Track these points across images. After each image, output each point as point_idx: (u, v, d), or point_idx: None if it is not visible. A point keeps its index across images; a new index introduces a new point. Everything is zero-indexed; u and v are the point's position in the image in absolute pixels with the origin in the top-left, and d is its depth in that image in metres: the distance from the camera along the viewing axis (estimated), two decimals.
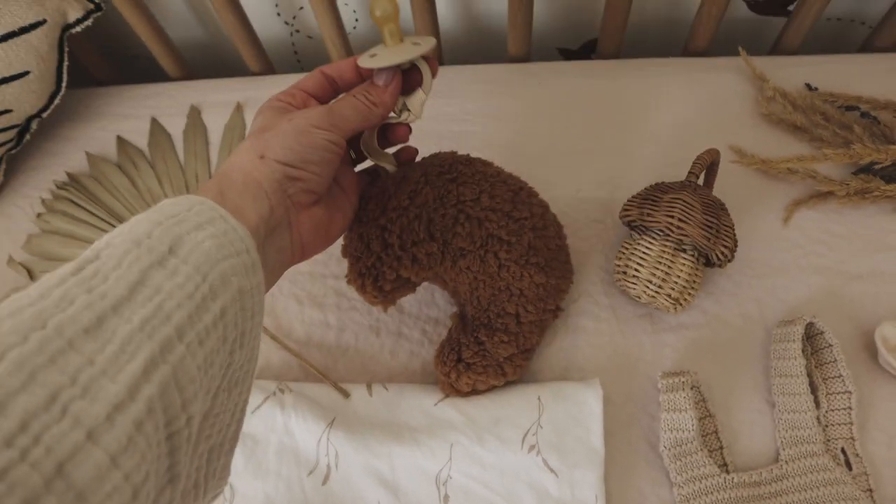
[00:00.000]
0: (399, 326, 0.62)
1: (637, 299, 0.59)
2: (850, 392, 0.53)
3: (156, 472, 0.26)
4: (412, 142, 0.53)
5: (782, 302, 0.61)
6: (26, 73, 0.74)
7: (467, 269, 0.53)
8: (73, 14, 0.77)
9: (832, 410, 0.54)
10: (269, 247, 0.41)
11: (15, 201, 0.78)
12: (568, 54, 0.96)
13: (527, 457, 0.52)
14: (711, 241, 0.55)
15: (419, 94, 0.48)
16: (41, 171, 0.81)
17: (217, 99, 0.84)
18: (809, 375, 0.55)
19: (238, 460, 0.54)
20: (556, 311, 0.58)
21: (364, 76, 0.48)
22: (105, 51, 0.92)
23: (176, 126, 0.82)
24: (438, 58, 0.87)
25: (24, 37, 0.72)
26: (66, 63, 0.79)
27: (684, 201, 0.56)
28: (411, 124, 0.51)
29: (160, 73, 0.91)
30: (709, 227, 0.55)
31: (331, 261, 0.66)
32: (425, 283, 0.61)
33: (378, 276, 0.51)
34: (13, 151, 0.81)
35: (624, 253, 0.59)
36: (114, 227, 0.72)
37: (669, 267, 0.56)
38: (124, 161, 0.79)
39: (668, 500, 0.52)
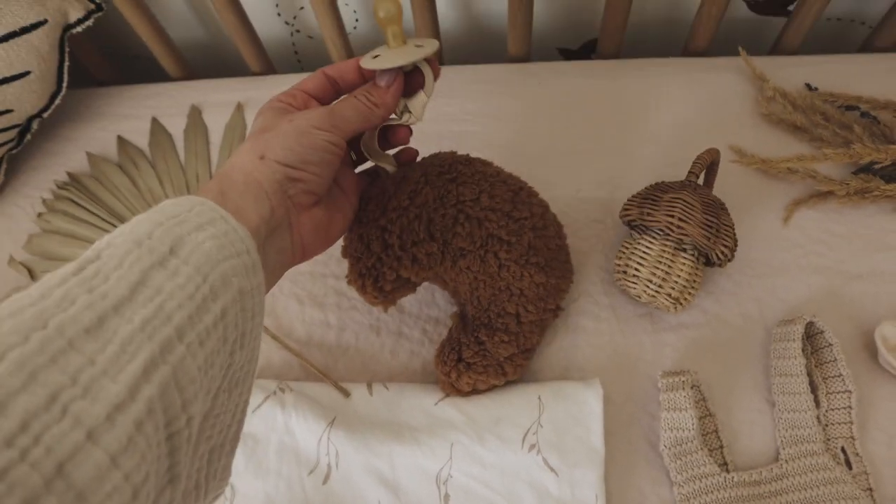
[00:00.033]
0: (399, 326, 0.63)
1: (637, 299, 0.59)
2: (849, 391, 0.54)
3: (156, 473, 0.26)
4: (412, 142, 0.53)
5: (782, 301, 0.61)
6: (27, 73, 0.74)
7: (467, 269, 0.53)
8: (74, 14, 0.77)
9: (832, 410, 0.54)
10: (270, 247, 0.41)
11: (16, 201, 0.78)
12: (568, 54, 0.96)
13: (527, 456, 0.53)
14: (711, 241, 0.55)
15: (421, 97, 0.48)
16: (42, 170, 0.81)
17: (218, 99, 0.84)
18: (809, 375, 0.55)
19: (239, 460, 0.55)
20: (557, 311, 0.58)
21: (366, 77, 0.48)
22: (106, 51, 0.92)
23: (177, 126, 0.82)
24: (439, 58, 0.87)
25: (25, 37, 0.72)
26: (66, 63, 0.79)
27: (684, 201, 0.56)
28: (412, 126, 0.51)
29: (161, 74, 0.91)
30: (709, 226, 0.55)
31: (331, 260, 0.66)
32: (426, 283, 0.61)
33: (378, 277, 0.51)
34: (14, 151, 0.81)
35: (624, 252, 0.59)
36: (115, 226, 0.72)
37: (669, 266, 0.56)
38: (125, 161, 0.79)
39: (668, 499, 0.52)
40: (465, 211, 0.51)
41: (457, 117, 0.78)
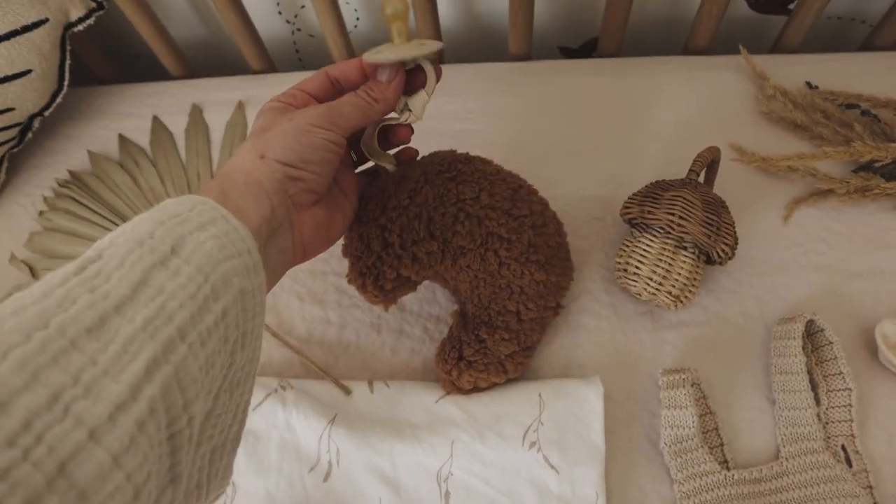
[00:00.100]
0: (400, 324, 0.63)
1: (638, 297, 0.59)
2: (850, 389, 0.54)
3: (157, 473, 0.26)
4: (413, 141, 0.53)
5: (782, 299, 0.61)
6: (28, 71, 0.74)
7: (468, 268, 0.53)
8: (76, 13, 0.77)
9: (832, 407, 0.54)
10: (271, 247, 0.41)
11: (17, 199, 0.79)
12: (569, 53, 0.96)
13: (528, 454, 0.53)
14: (712, 239, 0.55)
15: (422, 95, 0.48)
16: (43, 169, 0.81)
17: (219, 97, 0.84)
18: (810, 373, 0.55)
19: (240, 457, 0.55)
20: (557, 309, 0.58)
21: (369, 77, 0.48)
22: (107, 49, 0.93)
23: (178, 124, 0.82)
24: (440, 57, 0.87)
25: (26, 35, 0.72)
26: (68, 61, 0.79)
27: (685, 199, 0.56)
28: (412, 125, 0.51)
29: (162, 72, 0.91)
30: (709, 224, 0.55)
31: (332, 258, 0.66)
32: (426, 282, 0.61)
33: (379, 276, 0.51)
34: (15, 150, 0.81)
35: (625, 251, 0.59)
36: (116, 225, 0.72)
37: (670, 264, 0.56)
38: (126, 159, 0.79)
39: (668, 497, 0.53)
40: (465, 209, 0.51)
41: (458, 116, 0.78)
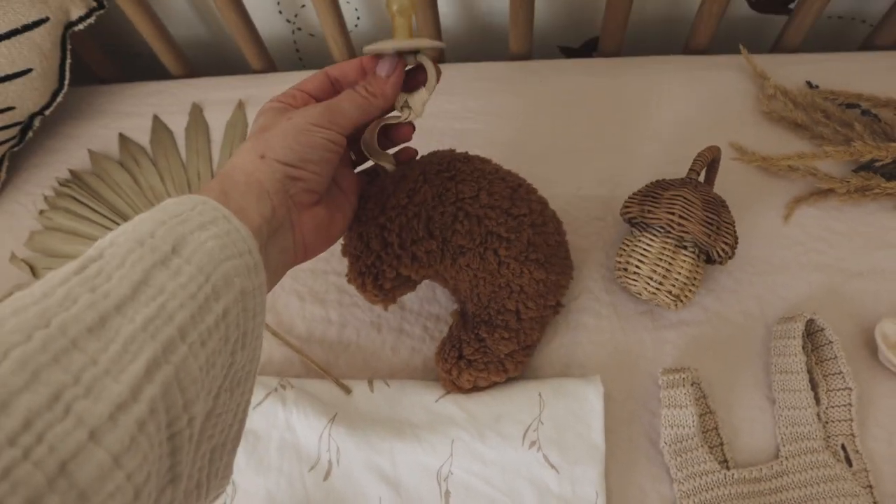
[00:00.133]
0: (400, 323, 0.63)
1: (638, 296, 0.59)
2: (850, 389, 0.54)
3: (157, 473, 0.26)
4: (413, 140, 0.53)
5: (783, 299, 0.61)
6: (29, 70, 0.74)
7: (467, 267, 0.53)
8: (76, 12, 0.77)
9: (832, 407, 0.54)
10: (272, 247, 0.41)
11: (17, 198, 0.79)
12: (569, 52, 0.96)
13: (528, 453, 0.53)
14: (712, 238, 0.55)
15: (422, 93, 0.48)
16: (44, 168, 0.81)
17: (219, 97, 0.84)
18: (810, 372, 0.56)
19: (240, 456, 0.55)
20: (557, 308, 0.58)
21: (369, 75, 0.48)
22: (107, 48, 0.93)
23: (178, 123, 0.82)
24: (441, 56, 0.87)
25: (26, 34, 0.72)
26: (68, 61, 0.79)
27: (685, 198, 0.56)
28: (414, 123, 0.50)
29: (162, 71, 0.91)
30: (709, 223, 0.55)
31: (332, 257, 0.66)
32: (426, 281, 0.61)
33: (378, 275, 0.51)
34: (16, 149, 0.81)
35: (625, 250, 0.59)
36: (116, 224, 0.72)
37: (670, 264, 0.56)
38: (126, 158, 0.80)
39: (668, 497, 0.53)
40: (464, 208, 0.51)
41: (458, 115, 0.78)
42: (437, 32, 0.81)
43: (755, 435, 0.55)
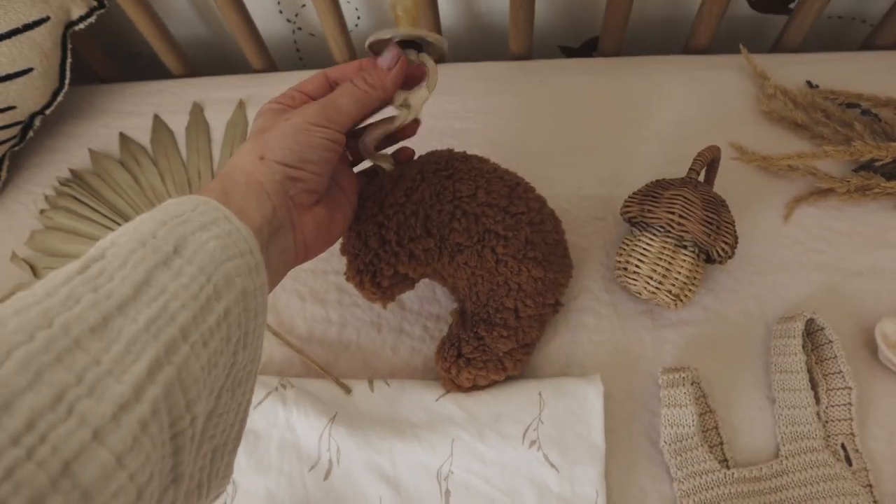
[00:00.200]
0: (400, 323, 0.63)
1: (638, 296, 0.59)
2: (850, 388, 0.54)
3: (160, 473, 0.26)
4: (412, 139, 0.53)
5: (783, 298, 0.61)
6: (30, 69, 0.74)
7: (465, 265, 0.53)
8: (77, 11, 0.77)
9: (832, 406, 0.54)
10: (273, 247, 0.41)
11: (18, 198, 0.79)
12: (569, 52, 0.96)
13: (528, 452, 0.53)
14: (712, 238, 0.55)
15: (422, 91, 0.48)
16: (44, 167, 0.81)
17: (219, 96, 0.84)
18: (810, 371, 0.56)
19: (240, 456, 0.55)
20: (556, 306, 0.58)
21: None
22: (108, 48, 0.93)
23: (178, 123, 0.82)
24: (441, 59, 0.87)
25: (27, 34, 0.72)
26: (69, 60, 0.79)
27: (685, 198, 0.56)
28: (420, 120, 0.50)
29: (163, 71, 0.91)
30: (709, 223, 0.55)
31: (332, 257, 0.66)
32: (426, 280, 0.61)
33: (376, 273, 0.51)
34: (16, 148, 0.81)
35: (625, 249, 0.59)
36: (117, 223, 0.72)
37: (670, 263, 0.56)
38: (127, 158, 0.80)
39: (668, 496, 0.53)
40: (461, 207, 0.51)
41: (458, 115, 0.78)
42: (437, 32, 0.81)
43: (755, 434, 0.55)
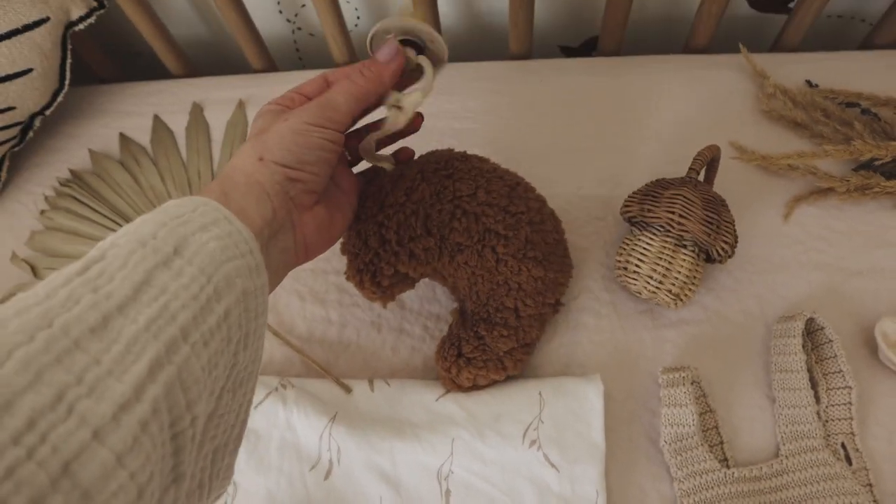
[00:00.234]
0: (401, 322, 0.63)
1: (638, 295, 0.59)
2: (850, 387, 0.54)
3: (160, 472, 0.26)
4: (412, 139, 0.53)
5: (782, 298, 0.61)
6: (29, 70, 0.74)
7: (465, 264, 0.53)
8: (77, 12, 0.77)
9: (832, 406, 0.54)
10: (273, 248, 0.41)
11: (18, 198, 0.79)
12: (569, 52, 0.96)
13: (528, 452, 0.53)
14: (712, 237, 0.55)
15: (416, 94, 0.48)
16: (44, 167, 0.81)
17: (219, 96, 0.84)
18: (810, 371, 0.56)
19: (240, 456, 0.55)
20: (556, 306, 0.58)
21: None
22: (108, 48, 0.93)
23: (178, 123, 0.82)
24: (441, 63, 0.87)
25: (27, 34, 0.72)
26: (69, 60, 0.79)
27: (685, 197, 0.56)
28: (397, 128, 0.50)
29: (163, 71, 0.91)
30: (709, 222, 0.55)
31: (332, 257, 0.66)
32: (426, 280, 0.61)
33: (376, 272, 0.51)
34: (16, 148, 0.81)
35: (625, 249, 0.59)
36: (117, 223, 0.72)
37: (670, 263, 0.56)
38: (127, 158, 0.80)
39: (668, 496, 0.53)
40: (461, 206, 0.51)
41: (458, 115, 0.78)
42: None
43: (755, 433, 0.55)
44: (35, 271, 0.71)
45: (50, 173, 0.80)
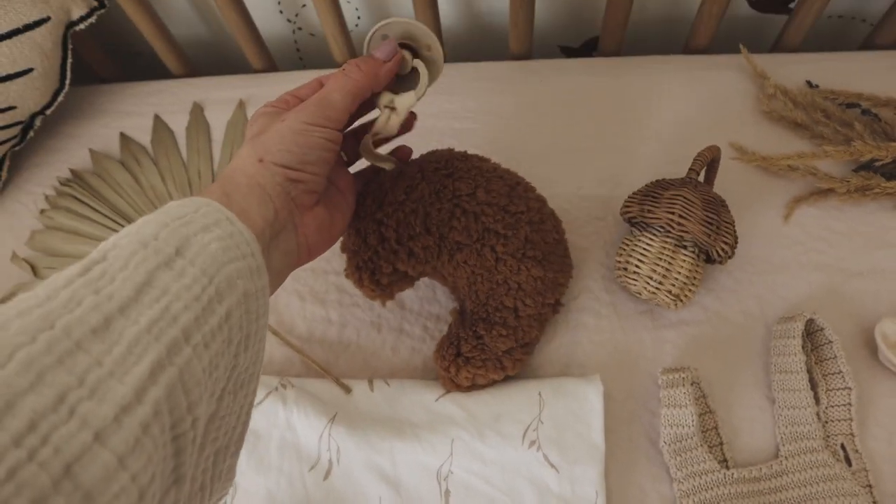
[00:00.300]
0: (401, 323, 0.63)
1: (638, 296, 0.59)
2: (849, 388, 0.54)
3: (161, 474, 0.26)
4: (412, 139, 0.53)
5: (782, 298, 0.61)
6: (30, 70, 0.74)
7: (464, 263, 0.53)
8: (77, 11, 0.77)
9: (832, 406, 0.54)
10: (275, 250, 0.41)
11: (19, 198, 0.79)
12: (569, 52, 0.96)
13: (527, 452, 0.53)
14: (712, 238, 0.55)
15: (410, 96, 0.48)
16: (45, 167, 0.81)
17: (220, 96, 0.85)
18: (809, 372, 0.56)
19: (240, 456, 0.55)
20: (556, 306, 0.58)
21: None
22: (108, 48, 0.93)
23: (179, 123, 0.82)
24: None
25: (28, 34, 0.72)
26: (69, 60, 0.79)
27: (685, 198, 0.56)
28: (391, 129, 0.50)
29: (163, 71, 0.91)
30: (709, 223, 0.55)
31: (333, 257, 0.66)
32: (427, 280, 0.61)
33: (375, 270, 0.52)
34: (17, 148, 0.81)
35: (625, 249, 0.59)
36: (117, 223, 0.72)
37: (670, 263, 0.56)
38: (127, 158, 0.80)
39: (668, 496, 0.53)
40: (461, 205, 0.52)
41: (458, 115, 0.78)
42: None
43: (755, 434, 0.55)
44: (35, 271, 0.71)
45: (50, 173, 0.80)
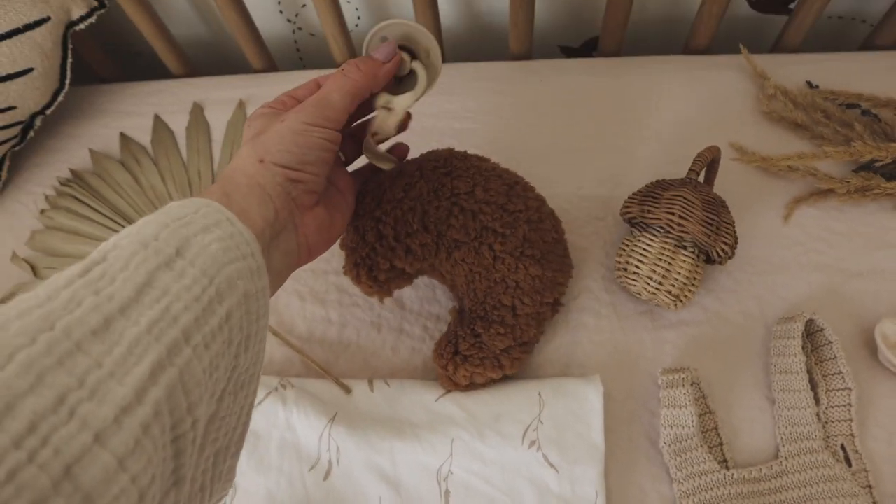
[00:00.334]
0: (400, 323, 0.63)
1: (638, 296, 0.59)
2: (849, 389, 0.54)
3: (161, 475, 0.26)
4: (412, 139, 0.54)
5: (782, 299, 0.61)
6: (30, 70, 0.74)
7: (462, 261, 0.53)
8: (77, 11, 0.77)
9: (832, 407, 0.54)
10: (275, 250, 0.41)
11: (18, 198, 0.79)
12: (569, 52, 0.96)
13: (527, 452, 0.53)
14: (712, 238, 0.55)
15: (407, 97, 0.49)
16: (45, 167, 0.81)
17: (220, 96, 0.85)
18: (809, 372, 0.56)
19: (240, 456, 0.55)
20: (555, 306, 0.58)
21: None
22: (108, 48, 0.93)
23: (179, 123, 0.82)
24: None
25: (28, 34, 0.72)
26: (69, 60, 0.79)
27: (685, 198, 0.56)
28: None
29: (163, 71, 0.91)
30: (709, 224, 0.55)
31: (332, 257, 0.66)
32: (427, 280, 0.61)
33: (373, 267, 0.52)
34: (17, 148, 0.81)
35: (624, 250, 0.59)
36: (117, 223, 0.72)
37: (670, 264, 0.56)
38: (127, 158, 0.80)
39: (668, 496, 0.53)
40: (459, 203, 0.52)
41: (458, 115, 0.78)
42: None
43: (755, 435, 0.55)
44: (35, 271, 0.71)
45: (50, 173, 0.80)
